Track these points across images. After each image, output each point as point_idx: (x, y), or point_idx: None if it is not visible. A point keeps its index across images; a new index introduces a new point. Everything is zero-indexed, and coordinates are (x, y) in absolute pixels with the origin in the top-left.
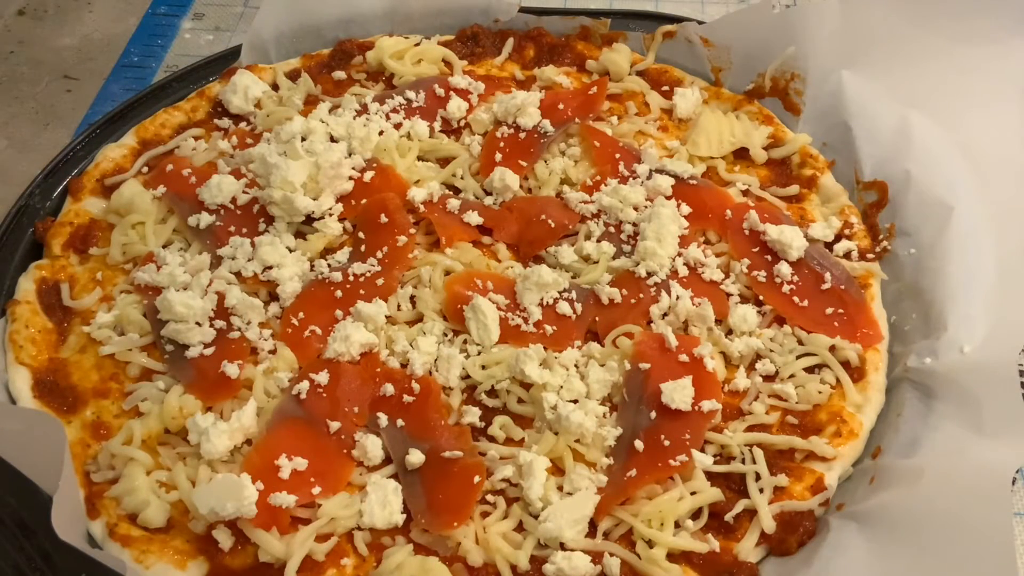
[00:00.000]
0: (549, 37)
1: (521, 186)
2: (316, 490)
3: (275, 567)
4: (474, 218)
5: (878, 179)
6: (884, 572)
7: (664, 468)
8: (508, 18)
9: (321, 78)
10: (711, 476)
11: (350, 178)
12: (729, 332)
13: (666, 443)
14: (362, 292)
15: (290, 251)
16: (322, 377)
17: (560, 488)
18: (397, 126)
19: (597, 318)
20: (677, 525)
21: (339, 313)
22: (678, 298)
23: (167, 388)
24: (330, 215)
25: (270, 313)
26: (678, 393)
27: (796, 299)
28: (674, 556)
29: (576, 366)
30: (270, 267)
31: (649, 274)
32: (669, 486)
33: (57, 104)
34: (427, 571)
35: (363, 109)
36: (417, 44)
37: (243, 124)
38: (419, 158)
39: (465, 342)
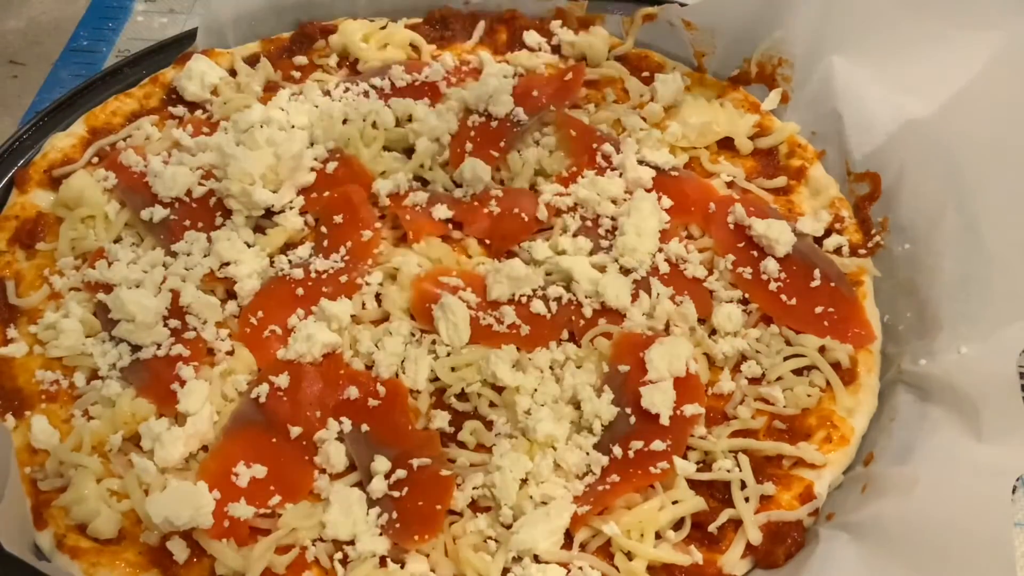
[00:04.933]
0: (523, 20)
1: (493, 178)
2: (276, 499)
3: None
4: (443, 212)
5: (870, 170)
6: None
7: (644, 476)
8: None
9: (281, 63)
10: (694, 484)
11: (312, 169)
12: (713, 332)
13: (646, 449)
14: (325, 290)
15: (248, 246)
16: (282, 380)
17: (533, 497)
18: (363, 115)
19: (573, 317)
20: (658, 536)
21: (301, 312)
22: (659, 296)
23: (118, 391)
24: (291, 208)
25: (227, 312)
26: (659, 397)
27: (783, 297)
28: (655, 569)
29: (551, 368)
30: (227, 263)
31: (628, 271)
32: (649, 495)
33: (2, 91)
34: None
35: (326, 96)
36: (383, 27)
37: (199, 112)
38: (385, 148)
39: (434, 343)
